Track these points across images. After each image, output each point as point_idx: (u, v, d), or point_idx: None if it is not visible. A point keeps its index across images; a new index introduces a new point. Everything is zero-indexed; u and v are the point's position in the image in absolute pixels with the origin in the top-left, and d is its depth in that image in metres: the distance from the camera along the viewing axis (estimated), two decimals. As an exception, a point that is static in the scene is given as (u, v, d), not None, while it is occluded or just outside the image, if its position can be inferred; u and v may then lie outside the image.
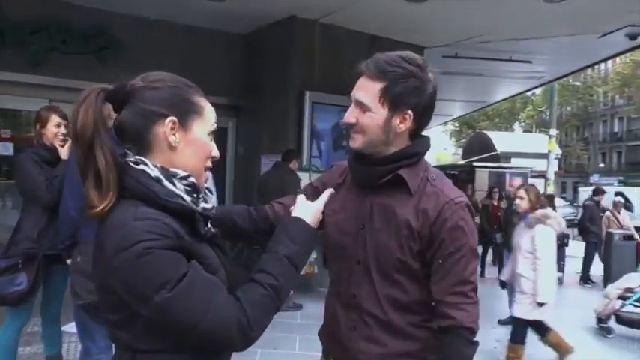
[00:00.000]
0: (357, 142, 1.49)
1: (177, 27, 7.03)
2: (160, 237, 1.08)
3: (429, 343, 1.50)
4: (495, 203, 9.51)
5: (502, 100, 15.28)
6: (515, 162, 19.68)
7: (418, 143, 1.52)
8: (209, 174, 1.32)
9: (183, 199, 1.17)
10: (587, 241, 9.33)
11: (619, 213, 9.55)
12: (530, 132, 38.70)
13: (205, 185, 1.31)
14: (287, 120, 6.63)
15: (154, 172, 1.15)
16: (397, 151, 1.49)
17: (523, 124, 44.49)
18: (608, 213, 9.59)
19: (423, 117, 1.49)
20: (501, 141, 23.62)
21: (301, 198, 1.45)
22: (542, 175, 15.04)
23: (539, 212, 4.20)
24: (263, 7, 6.27)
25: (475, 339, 1.45)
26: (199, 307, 1.09)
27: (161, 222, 1.10)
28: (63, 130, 3.29)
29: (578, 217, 11.52)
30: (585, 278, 9.11)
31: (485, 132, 29.23)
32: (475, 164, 16.60)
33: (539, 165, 15.09)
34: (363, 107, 1.45)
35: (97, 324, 2.98)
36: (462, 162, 22.22)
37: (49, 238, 3.16)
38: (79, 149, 1.15)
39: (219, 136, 6.73)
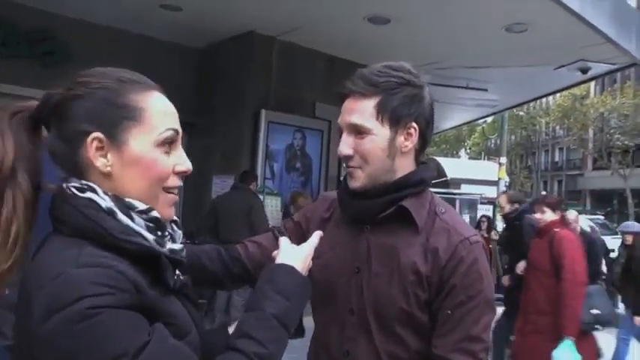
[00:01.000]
0: (358, 180, 1.25)
1: (129, 35, 6.67)
2: (113, 291, 0.79)
3: None
4: (485, 235, 8.36)
5: (455, 127, 15.54)
6: (465, 188, 20.03)
7: (423, 169, 1.31)
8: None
9: (145, 238, 0.88)
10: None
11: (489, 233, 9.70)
12: (477, 159, 39.81)
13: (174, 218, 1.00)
14: (241, 139, 6.38)
15: (105, 203, 0.87)
16: (400, 178, 1.26)
17: (469, 150, 45.72)
18: None
19: (427, 130, 1.28)
20: (451, 167, 24.03)
21: (285, 240, 1.17)
22: (491, 201, 15.32)
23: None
24: (221, 20, 6.05)
25: None
26: None
27: (114, 270, 0.80)
28: None
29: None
30: None
31: (435, 157, 29.80)
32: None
33: (489, 192, 15.33)
34: (359, 131, 1.23)
35: None
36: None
37: None
38: None
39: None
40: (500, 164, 14.58)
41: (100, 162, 0.88)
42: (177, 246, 0.96)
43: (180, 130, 0.96)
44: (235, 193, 5.44)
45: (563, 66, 6.81)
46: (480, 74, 7.53)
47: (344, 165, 1.32)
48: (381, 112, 1.22)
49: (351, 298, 1.27)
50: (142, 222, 0.89)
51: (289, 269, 1.07)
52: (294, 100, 6.70)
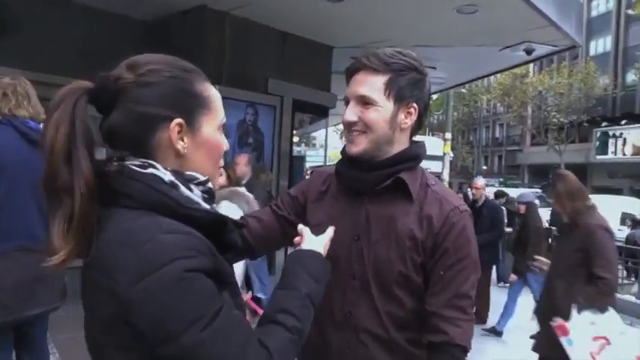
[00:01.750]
0: (359, 144, 1.37)
1: (76, 8, 6.40)
2: (199, 255, 0.87)
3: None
4: None
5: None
6: (410, 163, 20.51)
7: (417, 146, 1.45)
8: None
9: (210, 209, 0.99)
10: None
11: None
12: (422, 134, 40.63)
13: None
14: (194, 115, 6.32)
15: (167, 177, 0.94)
16: (397, 153, 1.39)
17: (414, 126, 46.55)
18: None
19: (425, 113, 1.43)
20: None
21: (307, 229, 1.28)
22: (437, 175, 15.78)
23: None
24: (173, -7, 5.90)
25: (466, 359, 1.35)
26: (231, 354, 0.88)
27: (194, 235, 0.89)
28: None
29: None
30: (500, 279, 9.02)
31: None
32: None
33: (434, 166, 15.75)
34: (366, 102, 1.36)
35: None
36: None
37: None
38: (46, 173, 0.89)
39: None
40: (445, 140, 14.99)
41: (180, 145, 0.97)
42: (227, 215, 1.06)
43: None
44: None
45: (510, 47, 7.06)
46: (428, 52, 7.67)
47: (345, 133, 1.43)
48: (389, 88, 1.35)
49: (352, 264, 1.39)
50: (199, 193, 0.99)
51: (317, 255, 1.19)
52: (246, 75, 6.65)
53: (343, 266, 1.39)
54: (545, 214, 10.13)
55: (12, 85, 2.65)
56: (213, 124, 1.03)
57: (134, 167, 0.94)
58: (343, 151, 1.46)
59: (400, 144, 1.41)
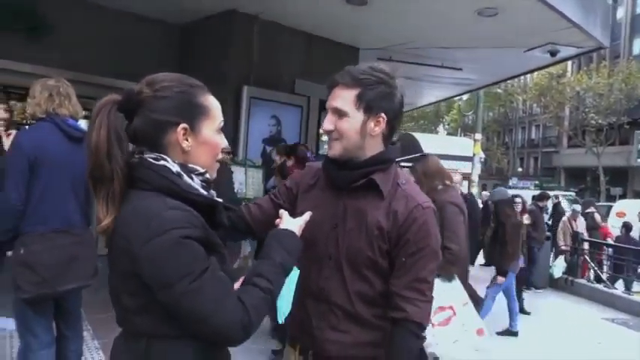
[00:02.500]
0: (335, 149, 1.60)
1: (110, 12, 6.77)
2: (192, 226, 1.17)
3: (388, 330, 1.62)
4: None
5: (431, 103, 15.81)
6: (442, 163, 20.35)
7: (390, 150, 1.66)
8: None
9: (204, 193, 1.28)
10: (529, 246, 8.58)
11: (575, 220, 9.67)
12: (454, 135, 40.21)
13: None
14: (223, 114, 6.55)
15: (175, 168, 1.25)
16: (370, 157, 1.60)
17: (447, 126, 46.14)
18: (565, 219, 9.74)
19: (395, 121, 1.63)
20: (427, 142, 24.30)
21: (285, 213, 1.52)
22: (466, 177, 15.69)
23: None
24: (204, -1, 6.19)
25: (423, 334, 1.57)
26: (213, 303, 1.16)
27: (191, 213, 1.19)
28: (2, 114, 3.14)
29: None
30: (528, 285, 8.68)
31: (412, 133, 30.04)
32: (403, 164, 17.05)
33: (464, 167, 15.67)
34: (340, 114, 1.58)
35: (38, 317, 2.88)
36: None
37: None
38: (92, 165, 1.22)
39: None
40: (475, 140, 14.90)
41: (185, 143, 1.27)
42: (219, 200, 1.35)
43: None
44: None
45: (533, 48, 7.10)
46: (454, 54, 7.77)
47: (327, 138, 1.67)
48: (358, 101, 1.56)
49: (329, 247, 1.63)
50: (198, 182, 1.29)
51: (291, 233, 1.44)
52: (274, 76, 6.89)
53: (322, 248, 1.63)
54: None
55: (56, 87, 2.96)
56: (212, 127, 1.31)
57: (150, 159, 1.25)
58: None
59: (373, 148, 1.61)
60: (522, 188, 31.50)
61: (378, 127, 1.59)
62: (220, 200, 1.34)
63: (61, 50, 6.36)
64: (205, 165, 1.31)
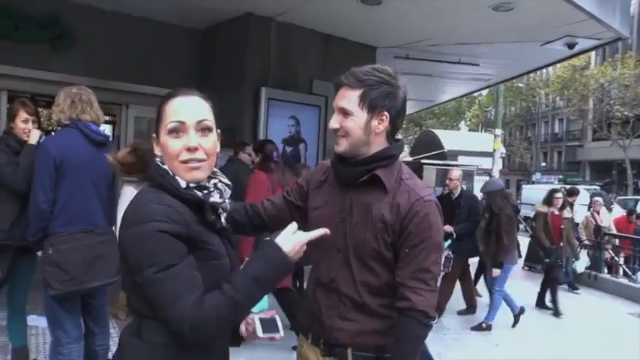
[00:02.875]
0: (341, 146, 1.69)
1: (132, 19, 6.96)
2: (170, 221, 1.27)
3: (394, 319, 1.70)
4: (556, 212, 7.21)
5: (450, 100, 15.76)
6: (462, 160, 20.28)
7: (393, 146, 1.74)
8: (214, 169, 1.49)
9: (194, 193, 1.37)
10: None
11: (598, 213, 9.52)
12: (476, 131, 39.90)
13: (225, 180, 1.50)
14: (242, 115, 6.68)
15: (171, 172, 1.38)
16: (374, 153, 1.69)
17: (469, 122, 45.77)
18: (587, 213, 9.52)
19: (398, 118, 1.71)
20: (448, 139, 24.19)
21: (292, 226, 1.48)
22: (487, 172, 15.61)
23: None
24: (221, 3, 6.31)
25: (429, 322, 1.63)
26: (169, 297, 1.25)
27: (174, 209, 1.30)
28: (30, 125, 3.32)
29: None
30: (569, 284, 8.45)
31: (433, 130, 29.90)
32: (423, 161, 17.04)
33: (485, 163, 15.64)
34: (345, 113, 1.67)
35: (67, 314, 3.04)
36: (410, 159, 22.73)
37: (20, 229, 3.16)
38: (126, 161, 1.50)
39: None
40: (495, 136, 14.82)
41: (156, 150, 1.42)
42: (219, 199, 1.44)
43: (186, 119, 1.37)
44: (228, 165, 5.78)
45: (550, 42, 7.07)
46: (470, 50, 7.77)
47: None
48: (362, 101, 1.65)
49: (338, 240, 1.71)
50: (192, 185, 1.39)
51: (276, 247, 1.39)
52: (292, 77, 6.99)
53: (331, 242, 1.69)
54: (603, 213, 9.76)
55: (78, 94, 3.12)
56: (163, 130, 1.39)
57: (158, 162, 1.40)
58: None
59: (377, 145, 1.70)
60: (546, 183, 31.13)
61: (381, 124, 1.68)
62: (210, 201, 1.40)
63: (85, 58, 6.56)
64: (171, 168, 1.38)
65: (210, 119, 1.41)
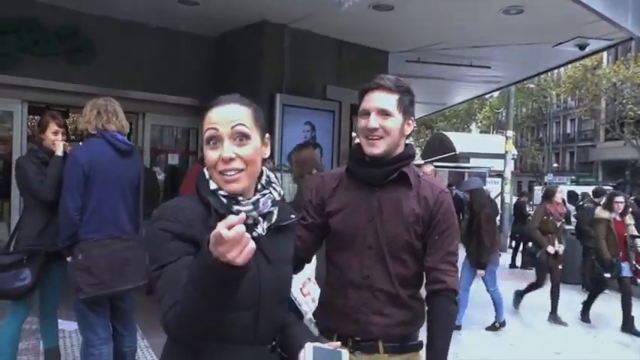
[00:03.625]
0: (379, 147, 1.79)
1: (148, 29, 7.10)
2: (175, 221, 1.32)
3: (418, 311, 1.88)
4: (619, 218, 6.67)
5: (461, 102, 15.79)
6: (473, 162, 20.29)
7: (409, 148, 1.90)
8: (268, 173, 1.48)
9: (215, 196, 1.37)
10: (584, 245, 8.57)
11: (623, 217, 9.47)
12: (487, 133, 39.82)
13: (273, 195, 1.43)
14: (258, 122, 6.78)
15: (207, 175, 1.42)
16: (400, 153, 1.83)
17: (480, 124, 45.64)
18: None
19: (413, 124, 1.89)
20: (460, 141, 24.25)
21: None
22: (499, 174, 15.60)
23: None
24: (235, 11, 6.42)
25: (457, 300, 1.82)
26: (160, 294, 1.29)
27: (182, 209, 1.35)
28: (59, 137, 3.45)
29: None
30: (587, 286, 8.21)
31: (444, 132, 29.91)
32: (435, 164, 17.07)
33: (497, 165, 15.63)
34: (386, 114, 1.78)
35: (97, 317, 3.16)
36: (422, 162, 22.77)
37: (50, 236, 3.29)
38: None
39: (187, 136, 6.83)
40: (507, 137, 14.82)
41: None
42: (247, 208, 1.34)
43: (219, 127, 1.35)
44: None
45: (561, 43, 7.11)
46: (481, 53, 7.83)
47: (359, 139, 1.86)
48: (399, 105, 1.79)
49: (368, 238, 1.81)
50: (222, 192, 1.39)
51: (201, 254, 1.18)
52: (306, 83, 7.09)
53: (360, 241, 1.82)
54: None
55: (104, 105, 3.29)
56: (203, 140, 1.42)
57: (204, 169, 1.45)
58: (353, 153, 1.90)
59: (401, 146, 1.85)
60: (558, 184, 30.99)
61: (409, 128, 1.84)
62: (234, 209, 1.33)
63: (101, 68, 6.73)
64: (211, 175, 1.40)
65: (247, 125, 1.36)
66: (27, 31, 6.33)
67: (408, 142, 1.90)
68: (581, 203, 9.46)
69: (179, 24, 7.08)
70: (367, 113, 1.79)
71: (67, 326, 4.54)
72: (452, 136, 25.89)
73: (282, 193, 1.49)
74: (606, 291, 8.03)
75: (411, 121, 1.83)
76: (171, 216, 1.33)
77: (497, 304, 6.12)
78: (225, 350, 1.35)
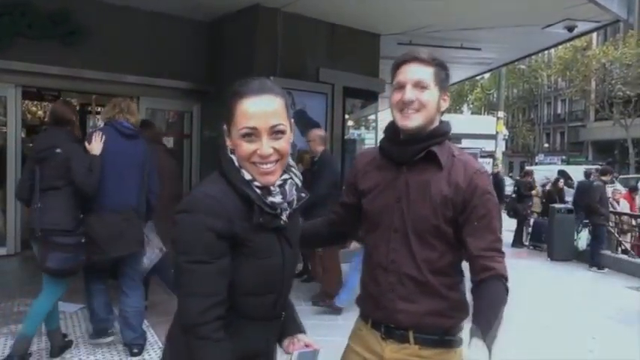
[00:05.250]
0: (415, 120, 1.66)
1: (141, 13, 7.15)
2: (215, 217, 1.28)
3: (457, 303, 1.71)
4: None
5: (453, 84, 15.88)
6: (465, 143, 20.42)
7: (445, 124, 1.75)
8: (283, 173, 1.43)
9: (253, 190, 1.35)
10: (595, 224, 8.73)
11: (618, 202, 9.67)
12: (479, 114, 39.98)
13: (295, 179, 1.46)
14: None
15: (237, 163, 1.38)
16: (432, 130, 1.69)
17: (471, 106, 45.80)
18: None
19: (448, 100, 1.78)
20: (451, 122, 24.34)
21: None
22: (490, 155, 15.80)
23: None
24: (228, -5, 6.49)
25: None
26: (186, 289, 1.31)
27: (220, 202, 1.30)
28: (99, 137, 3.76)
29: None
30: (598, 265, 8.55)
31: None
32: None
33: (488, 145, 15.82)
34: (422, 86, 1.65)
35: (99, 293, 3.93)
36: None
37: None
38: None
39: (182, 120, 6.88)
40: (498, 118, 14.98)
41: (227, 142, 1.40)
42: (279, 200, 1.38)
43: (259, 125, 1.32)
44: None
45: (550, 25, 7.23)
46: (472, 35, 7.93)
47: (393, 113, 1.73)
48: (435, 78, 1.67)
49: (394, 220, 1.70)
50: (256, 183, 1.37)
51: None
52: (299, 66, 7.17)
53: (387, 223, 1.72)
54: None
55: (119, 101, 3.89)
56: (236, 132, 1.35)
57: (228, 151, 1.40)
58: (388, 130, 1.78)
59: (436, 122, 1.71)
60: (549, 164, 31.27)
61: (444, 103, 1.72)
62: (267, 201, 1.36)
63: (96, 52, 6.78)
64: (242, 165, 1.36)
65: (284, 122, 1.36)
66: (20, 15, 6.36)
67: (444, 118, 1.78)
68: (591, 180, 9.53)
69: (173, 8, 7.13)
70: (402, 86, 1.67)
71: (67, 308, 4.68)
72: (443, 117, 25.97)
73: (300, 178, 1.50)
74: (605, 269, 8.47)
75: (446, 97, 1.72)
76: (210, 210, 1.28)
77: (349, 285, 5.17)
78: (245, 327, 1.41)
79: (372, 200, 1.76)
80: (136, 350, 3.83)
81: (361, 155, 2.00)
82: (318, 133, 5.55)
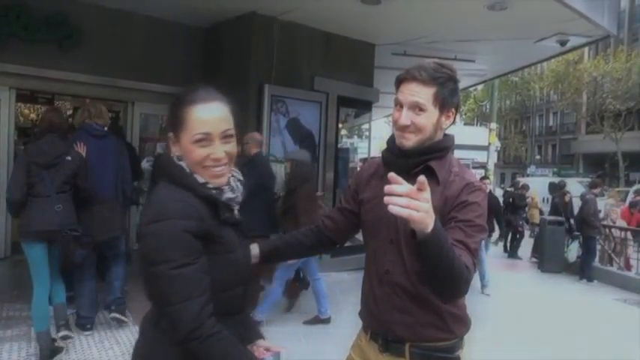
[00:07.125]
0: (410, 140, 1.66)
1: (137, 17, 7.16)
2: (188, 218, 1.32)
3: (452, 316, 1.71)
4: None
5: (446, 95, 15.97)
6: (457, 153, 20.40)
7: (447, 139, 1.74)
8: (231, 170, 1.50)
9: (208, 189, 1.41)
10: (587, 236, 8.69)
11: (632, 214, 9.68)
12: (471, 125, 40.17)
13: (238, 176, 1.55)
14: (247, 112, 6.86)
15: (188, 170, 1.42)
16: (432, 145, 1.68)
17: (464, 116, 46.00)
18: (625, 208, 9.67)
19: (457, 112, 1.75)
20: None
21: None
22: (482, 166, 15.88)
23: None
24: (225, 3, 6.52)
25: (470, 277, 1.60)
26: (178, 295, 1.30)
27: (191, 205, 1.35)
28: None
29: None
30: (588, 277, 8.58)
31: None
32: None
33: (481, 156, 15.89)
34: (420, 109, 1.64)
35: (89, 280, 4.48)
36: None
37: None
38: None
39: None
40: (490, 129, 15.07)
41: (173, 149, 1.45)
42: (232, 195, 1.47)
43: (212, 131, 1.39)
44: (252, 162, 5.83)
45: (543, 39, 7.32)
46: (466, 47, 8.01)
47: (395, 131, 1.71)
48: (435, 99, 1.63)
49: (391, 232, 1.71)
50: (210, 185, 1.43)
51: None
52: (294, 74, 7.21)
53: (384, 234, 1.73)
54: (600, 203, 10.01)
55: (88, 106, 4.60)
56: (188, 138, 1.40)
57: (175, 159, 1.44)
58: (390, 141, 1.77)
59: (437, 138, 1.70)
60: (540, 176, 31.46)
61: (448, 120, 1.70)
62: (223, 198, 1.44)
63: (91, 56, 6.77)
64: (191, 168, 1.41)
65: (232, 126, 1.45)
66: (16, 17, 6.33)
67: (447, 132, 1.76)
68: (583, 193, 9.54)
69: (169, 14, 7.14)
70: (400, 105, 1.67)
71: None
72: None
73: (240, 174, 1.57)
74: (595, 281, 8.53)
75: (450, 114, 1.69)
76: (182, 213, 1.32)
77: (320, 296, 5.24)
78: (220, 324, 1.40)
79: (370, 210, 1.77)
80: (89, 326, 4.40)
81: (368, 163, 2.00)
82: (255, 136, 5.56)
